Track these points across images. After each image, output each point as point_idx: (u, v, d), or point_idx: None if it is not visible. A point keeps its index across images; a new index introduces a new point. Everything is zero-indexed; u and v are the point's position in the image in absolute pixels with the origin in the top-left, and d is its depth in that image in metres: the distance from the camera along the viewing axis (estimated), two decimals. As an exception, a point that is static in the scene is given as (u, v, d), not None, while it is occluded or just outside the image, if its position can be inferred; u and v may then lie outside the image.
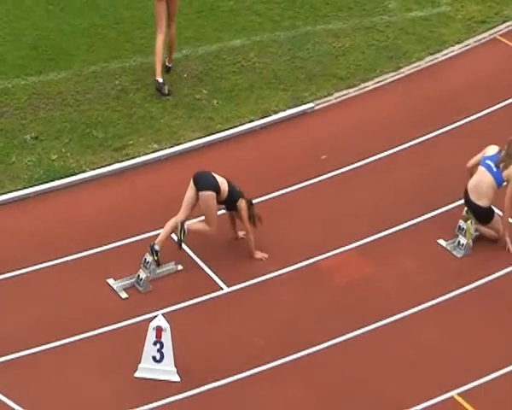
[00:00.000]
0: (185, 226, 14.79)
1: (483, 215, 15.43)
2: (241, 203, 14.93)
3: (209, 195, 14.76)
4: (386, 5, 20.06)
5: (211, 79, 18.45)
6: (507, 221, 15.54)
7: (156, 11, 18.74)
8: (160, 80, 18.76)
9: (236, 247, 15.38)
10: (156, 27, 18.77)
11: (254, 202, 15.39)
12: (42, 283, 14.86)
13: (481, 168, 15.40)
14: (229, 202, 14.99)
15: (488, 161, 15.42)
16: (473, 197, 15.30)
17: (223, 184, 14.84)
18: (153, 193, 16.12)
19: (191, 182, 14.92)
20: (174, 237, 15.10)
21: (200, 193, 14.72)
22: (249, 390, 13.62)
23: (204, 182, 14.80)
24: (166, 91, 18.86)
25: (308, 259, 15.32)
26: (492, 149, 15.58)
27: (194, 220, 15.22)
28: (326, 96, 18.17)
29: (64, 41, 18.82)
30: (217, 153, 17.10)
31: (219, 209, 15.21)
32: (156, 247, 14.75)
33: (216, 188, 14.76)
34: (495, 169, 15.32)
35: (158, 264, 14.81)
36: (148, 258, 14.65)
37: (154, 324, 13.07)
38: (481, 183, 15.34)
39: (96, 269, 14.90)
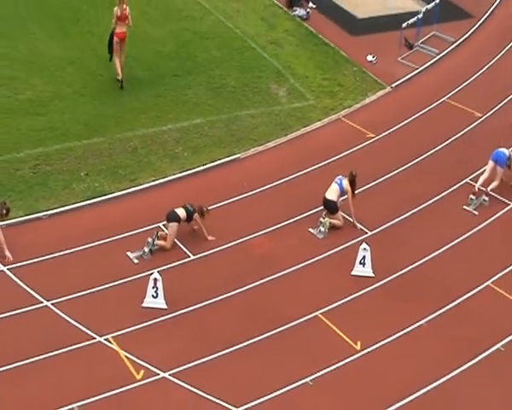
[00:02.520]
0: (158, 237, 15.01)
1: (332, 207, 15.86)
2: (196, 217, 15.12)
3: (173, 225, 14.90)
4: (280, 100, 20.10)
5: (184, 141, 18.34)
6: (353, 212, 16.01)
7: (114, 48, 19.68)
8: (119, 78, 19.66)
9: (196, 234, 15.55)
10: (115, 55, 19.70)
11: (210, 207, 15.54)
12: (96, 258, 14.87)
13: (334, 183, 15.91)
14: (189, 220, 15.11)
15: (338, 180, 15.95)
16: (327, 196, 15.81)
17: (182, 213, 14.90)
18: (152, 206, 16.12)
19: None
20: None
21: (169, 224, 14.92)
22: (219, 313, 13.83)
23: (170, 217, 14.90)
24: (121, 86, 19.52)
25: (239, 238, 15.65)
26: (339, 178, 16.05)
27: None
28: (247, 151, 18.31)
29: (100, 121, 18.62)
30: (188, 182, 17.22)
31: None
32: (154, 239, 14.97)
33: (178, 218, 14.90)
34: (339, 183, 15.92)
35: (153, 244, 14.92)
36: (150, 239, 14.88)
37: (152, 277, 13.63)
38: (332, 189, 15.88)
39: (120, 246, 15.12)
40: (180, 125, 18.46)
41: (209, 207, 15.75)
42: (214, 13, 23.18)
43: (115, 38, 19.77)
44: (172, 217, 14.85)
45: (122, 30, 19.78)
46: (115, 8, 19.66)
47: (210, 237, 15.40)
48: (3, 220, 14.53)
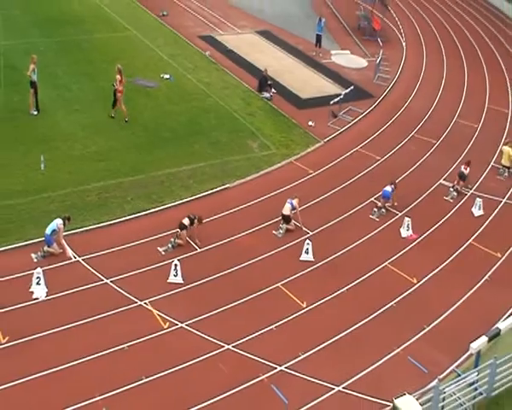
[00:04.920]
0: (177, 238, 14.55)
1: (287, 218, 15.66)
2: (194, 224, 14.63)
3: (183, 232, 14.59)
4: (254, 150, 19.49)
5: (193, 177, 17.57)
6: (301, 221, 15.73)
7: (119, 100, 19.13)
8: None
9: (200, 237, 14.84)
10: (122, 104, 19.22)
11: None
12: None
13: (287, 203, 15.71)
14: (192, 224, 14.64)
15: (289, 200, 15.74)
16: (283, 212, 15.61)
17: (186, 221, 14.46)
18: (173, 218, 15.33)
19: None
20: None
21: (181, 232, 14.61)
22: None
23: (181, 226, 14.54)
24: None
25: (229, 237, 15.19)
26: (290, 200, 15.93)
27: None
28: (233, 182, 17.65)
29: (140, 165, 17.71)
30: (196, 203, 16.55)
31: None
32: (175, 240, 14.61)
33: (185, 227, 14.57)
34: (290, 200, 15.76)
35: (174, 242, 14.62)
36: (172, 239, 14.69)
37: (174, 263, 13.78)
38: (286, 207, 15.65)
39: (153, 244, 14.80)
40: (191, 167, 18.22)
41: (209, 219, 15.69)
42: (212, 96, 22.97)
43: (119, 94, 19.42)
44: (181, 226, 14.61)
45: (121, 88, 19.52)
46: (118, 77, 19.35)
47: (197, 241, 14.86)
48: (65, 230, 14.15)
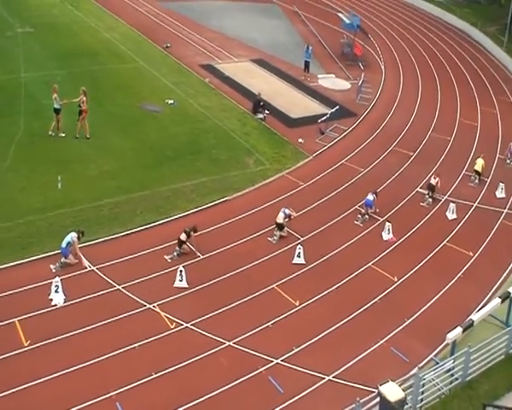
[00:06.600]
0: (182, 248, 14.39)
1: (280, 226, 15.62)
2: (191, 235, 14.41)
3: (184, 246, 14.42)
4: (250, 166, 19.43)
5: (196, 191, 17.50)
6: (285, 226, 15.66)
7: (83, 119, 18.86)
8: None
9: (203, 244, 14.81)
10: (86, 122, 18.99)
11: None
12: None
13: (281, 212, 15.61)
14: (189, 237, 14.43)
15: (283, 210, 15.80)
16: (277, 220, 15.50)
17: (183, 236, 14.26)
18: (178, 229, 14.95)
19: None
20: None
21: (182, 246, 14.41)
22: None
23: (179, 243, 14.35)
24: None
25: (229, 245, 15.23)
26: (283, 209, 15.98)
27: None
28: (232, 195, 17.46)
29: (148, 181, 17.73)
30: (199, 214, 16.45)
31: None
32: (179, 249, 14.40)
33: (183, 242, 14.33)
34: (283, 209, 15.48)
35: (179, 251, 14.51)
36: (177, 248, 14.57)
37: (179, 269, 13.79)
38: (279, 215, 15.57)
39: (161, 252, 14.76)
40: (193, 182, 18.10)
41: (210, 228, 15.65)
42: (212, 118, 22.90)
43: (84, 114, 19.30)
44: (180, 243, 14.47)
45: (86, 108, 19.37)
46: (84, 98, 19.26)
47: (198, 253, 14.60)
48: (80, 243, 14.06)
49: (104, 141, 20.23)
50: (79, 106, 19.30)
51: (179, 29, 32.22)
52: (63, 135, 19.59)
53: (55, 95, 19.12)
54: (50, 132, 19.46)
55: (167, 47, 29.83)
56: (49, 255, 13.90)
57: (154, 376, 10.92)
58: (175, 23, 32.87)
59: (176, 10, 35.09)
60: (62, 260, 13.67)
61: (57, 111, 19.31)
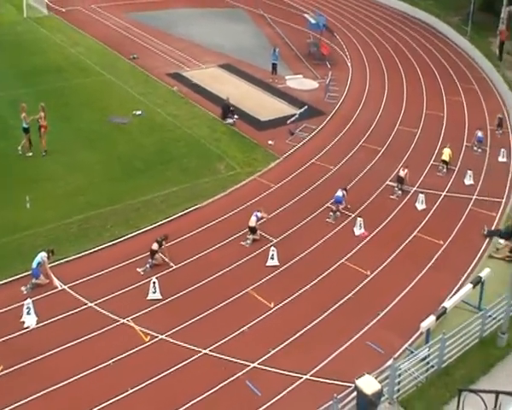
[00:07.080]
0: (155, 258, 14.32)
1: (253, 229, 15.58)
2: (163, 244, 14.34)
3: (156, 256, 14.34)
4: (221, 171, 19.04)
5: (166, 201, 17.45)
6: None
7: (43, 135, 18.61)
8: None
9: (175, 255, 14.65)
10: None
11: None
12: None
13: (253, 215, 15.61)
14: (160, 246, 14.39)
15: (255, 213, 15.57)
16: (250, 224, 15.48)
17: (155, 246, 14.24)
18: (150, 240, 14.95)
19: None
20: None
21: (154, 257, 14.36)
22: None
23: (151, 252, 14.30)
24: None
25: (197, 254, 15.08)
26: (255, 212, 15.94)
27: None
28: (203, 202, 17.53)
29: (117, 195, 17.56)
30: (170, 224, 16.34)
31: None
32: (152, 261, 14.39)
33: (155, 252, 14.33)
34: (255, 212, 15.70)
35: (151, 263, 14.44)
36: (149, 260, 14.51)
37: (152, 281, 13.67)
38: (252, 219, 15.56)
39: (133, 265, 14.58)
40: (164, 192, 17.93)
41: (182, 237, 15.52)
42: (181, 127, 22.73)
43: (44, 130, 19.19)
44: (152, 252, 14.45)
45: (46, 124, 19.30)
46: (42, 114, 19.17)
47: (171, 263, 14.56)
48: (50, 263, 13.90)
49: (72, 157, 20.04)
50: (38, 121, 19.09)
51: (146, 40, 32.08)
52: (30, 154, 19.42)
53: (23, 114, 18.98)
54: (19, 149, 19.29)
55: (134, 58, 29.65)
56: (20, 277, 13.74)
57: (131, 391, 10.82)
58: (142, 34, 32.71)
59: (142, 21, 34.85)
60: (33, 280, 13.51)
61: (26, 130, 19.19)
